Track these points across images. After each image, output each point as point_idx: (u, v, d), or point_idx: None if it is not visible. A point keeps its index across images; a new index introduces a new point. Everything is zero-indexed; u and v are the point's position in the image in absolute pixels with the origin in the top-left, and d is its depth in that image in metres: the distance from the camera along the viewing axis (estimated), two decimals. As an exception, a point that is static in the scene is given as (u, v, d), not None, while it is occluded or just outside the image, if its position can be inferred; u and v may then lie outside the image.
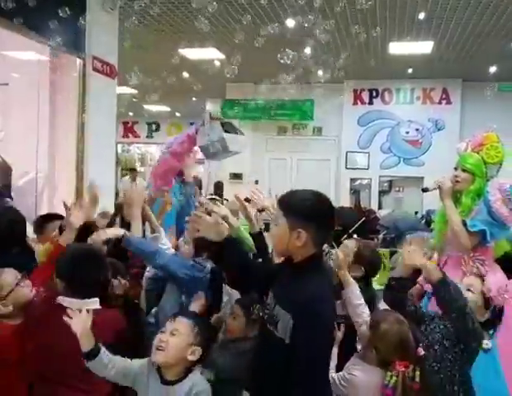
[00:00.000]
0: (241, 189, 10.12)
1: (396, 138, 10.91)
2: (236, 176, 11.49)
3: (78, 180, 4.87)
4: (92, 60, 4.89)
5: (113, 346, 2.18)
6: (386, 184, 11.52)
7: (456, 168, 3.26)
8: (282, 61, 3.87)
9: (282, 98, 10.62)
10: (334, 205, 1.95)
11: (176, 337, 2.03)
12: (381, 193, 11.46)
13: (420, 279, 3.02)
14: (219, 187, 11.14)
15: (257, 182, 10.69)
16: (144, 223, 3.04)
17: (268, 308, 1.92)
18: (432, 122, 10.69)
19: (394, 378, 2.09)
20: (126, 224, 3.00)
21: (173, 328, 2.05)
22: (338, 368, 2.36)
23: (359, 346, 2.64)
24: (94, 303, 2.32)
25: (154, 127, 16.05)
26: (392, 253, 5.28)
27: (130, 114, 15.03)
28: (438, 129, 10.66)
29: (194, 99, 12.12)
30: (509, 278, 3.07)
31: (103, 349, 2.03)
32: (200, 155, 4.06)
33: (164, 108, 14.25)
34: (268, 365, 1.85)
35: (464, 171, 3.20)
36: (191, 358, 2.03)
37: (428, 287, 2.86)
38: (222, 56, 8.31)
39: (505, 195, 3.00)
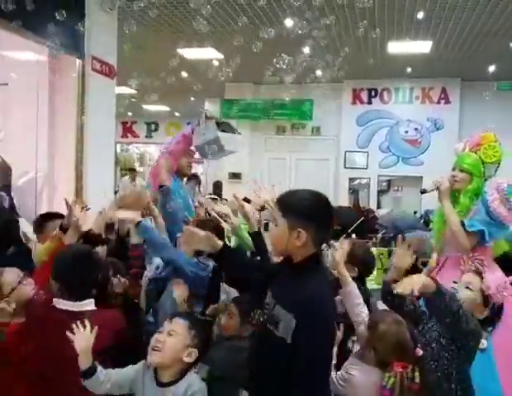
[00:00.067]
0: (240, 189, 10.14)
1: (395, 137, 10.92)
2: (235, 176, 11.50)
3: (78, 180, 4.87)
4: (91, 60, 4.89)
5: (113, 347, 2.19)
6: (384, 183, 11.53)
7: (454, 168, 3.28)
8: (277, 65, 3.89)
9: (281, 98, 10.64)
10: (332, 204, 1.95)
11: (172, 338, 2.03)
12: (380, 192, 11.46)
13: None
14: (218, 187, 11.15)
15: (256, 182, 10.69)
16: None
17: (267, 307, 1.92)
18: (431, 121, 10.69)
19: (392, 379, 2.09)
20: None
21: (170, 329, 2.05)
22: (337, 367, 2.37)
23: (350, 345, 2.65)
24: (89, 304, 2.33)
25: (152, 127, 16.05)
26: (391, 252, 5.30)
27: (129, 114, 15.03)
28: (437, 129, 10.66)
29: (193, 99, 12.12)
30: (507, 276, 3.08)
31: (100, 367, 2.04)
32: (198, 155, 4.07)
33: (163, 108, 14.25)
34: (269, 365, 1.85)
35: (462, 171, 3.22)
36: (187, 360, 2.03)
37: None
38: (221, 56, 8.32)
39: (503, 194, 3.01)
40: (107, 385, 2.05)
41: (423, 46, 8.12)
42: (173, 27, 7.44)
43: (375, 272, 4.75)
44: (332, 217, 1.93)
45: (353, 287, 2.51)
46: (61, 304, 2.33)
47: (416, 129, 10.79)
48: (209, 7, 3.75)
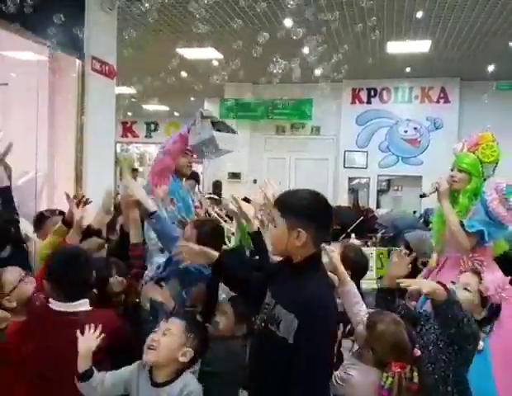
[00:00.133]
0: (239, 188, 10.15)
1: (395, 137, 10.92)
2: (235, 176, 11.50)
3: (78, 179, 4.88)
4: (90, 61, 4.89)
5: (110, 346, 2.19)
6: (384, 183, 11.54)
7: (452, 169, 3.28)
8: (274, 71, 3.91)
9: (281, 98, 10.65)
10: (331, 204, 1.96)
11: (167, 337, 2.04)
12: (380, 192, 11.46)
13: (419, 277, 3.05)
14: (217, 186, 11.14)
15: (255, 182, 10.69)
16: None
17: (267, 307, 1.92)
18: (430, 121, 10.70)
19: (390, 379, 2.08)
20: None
21: (166, 328, 2.06)
22: (336, 366, 2.38)
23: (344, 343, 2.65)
24: (83, 305, 2.34)
25: (152, 127, 16.06)
26: (390, 252, 5.29)
27: (129, 114, 15.02)
28: (437, 128, 10.67)
29: (192, 99, 12.13)
30: (506, 276, 3.08)
31: (96, 371, 2.05)
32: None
33: (163, 108, 14.25)
34: (269, 365, 1.85)
35: (460, 171, 3.22)
36: (182, 359, 2.03)
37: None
38: (220, 56, 8.33)
39: (502, 194, 3.01)
40: (100, 390, 2.06)
41: (422, 46, 8.12)
42: (172, 27, 7.45)
43: (374, 272, 4.76)
44: (331, 217, 1.94)
45: (351, 286, 2.51)
46: (55, 304, 2.34)
47: (416, 128, 10.79)
48: (203, 10, 3.76)
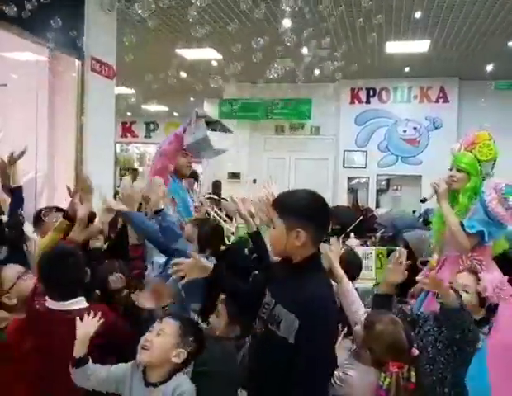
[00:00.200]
0: (239, 188, 10.16)
1: (394, 136, 10.93)
2: (234, 176, 11.50)
3: (78, 180, 4.89)
4: (90, 61, 4.91)
5: (107, 341, 2.20)
6: (383, 183, 11.53)
7: (451, 169, 3.29)
8: (270, 76, 3.92)
9: (280, 98, 10.65)
10: (331, 204, 1.97)
11: (161, 337, 2.03)
12: (379, 192, 11.46)
13: (419, 278, 3.04)
14: (217, 186, 11.13)
15: (255, 182, 10.70)
16: None
17: (267, 307, 1.92)
18: (429, 120, 10.70)
19: (388, 379, 2.07)
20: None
21: (160, 328, 2.06)
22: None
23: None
24: (76, 303, 2.34)
25: (152, 127, 16.06)
26: (390, 252, 5.30)
27: (129, 114, 15.03)
28: (436, 128, 10.67)
29: (192, 99, 12.13)
30: (504, 275, 3.09)
31: (91, 361, 2.06)
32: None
33: (162, 108, 14.25)
34: (269, 365, 1.85)
35: (459, 170, 3.22)
36: (175, 360, 2.03)
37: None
38: (219, 56, 8.34)
39: (501, 194, 3.01)
40: (93, 380, 2.07)
41: (421, 45, 8.13)
42: (171, 28, 7.45)
43: (374, 272, 4.78)
44: (329, 216, 1.95)
45: (348, 284, 2.51)
46: (50, 303, 2.35)
47: (415, 128, 10.80)
48: (195, 13, 3.78)
